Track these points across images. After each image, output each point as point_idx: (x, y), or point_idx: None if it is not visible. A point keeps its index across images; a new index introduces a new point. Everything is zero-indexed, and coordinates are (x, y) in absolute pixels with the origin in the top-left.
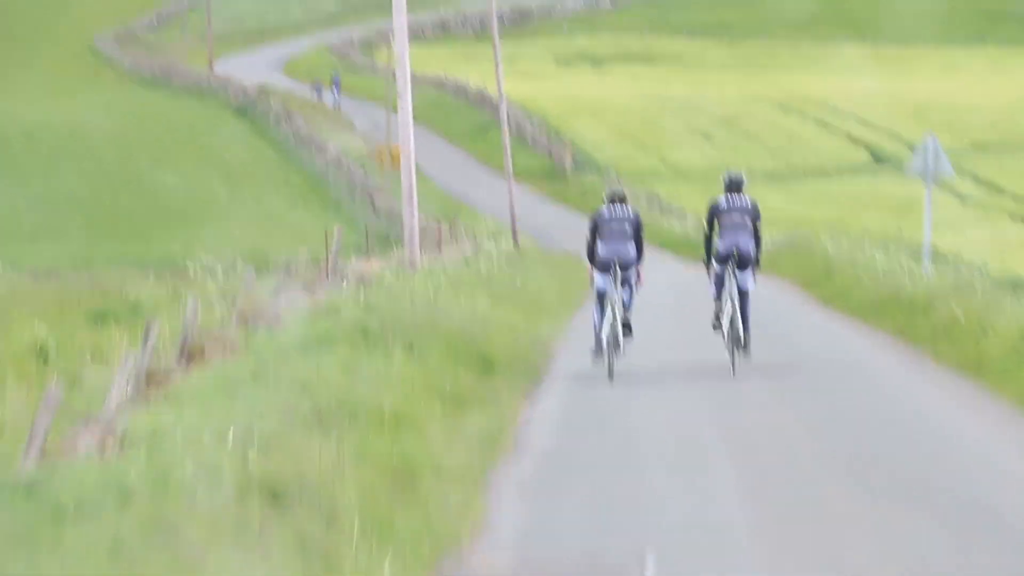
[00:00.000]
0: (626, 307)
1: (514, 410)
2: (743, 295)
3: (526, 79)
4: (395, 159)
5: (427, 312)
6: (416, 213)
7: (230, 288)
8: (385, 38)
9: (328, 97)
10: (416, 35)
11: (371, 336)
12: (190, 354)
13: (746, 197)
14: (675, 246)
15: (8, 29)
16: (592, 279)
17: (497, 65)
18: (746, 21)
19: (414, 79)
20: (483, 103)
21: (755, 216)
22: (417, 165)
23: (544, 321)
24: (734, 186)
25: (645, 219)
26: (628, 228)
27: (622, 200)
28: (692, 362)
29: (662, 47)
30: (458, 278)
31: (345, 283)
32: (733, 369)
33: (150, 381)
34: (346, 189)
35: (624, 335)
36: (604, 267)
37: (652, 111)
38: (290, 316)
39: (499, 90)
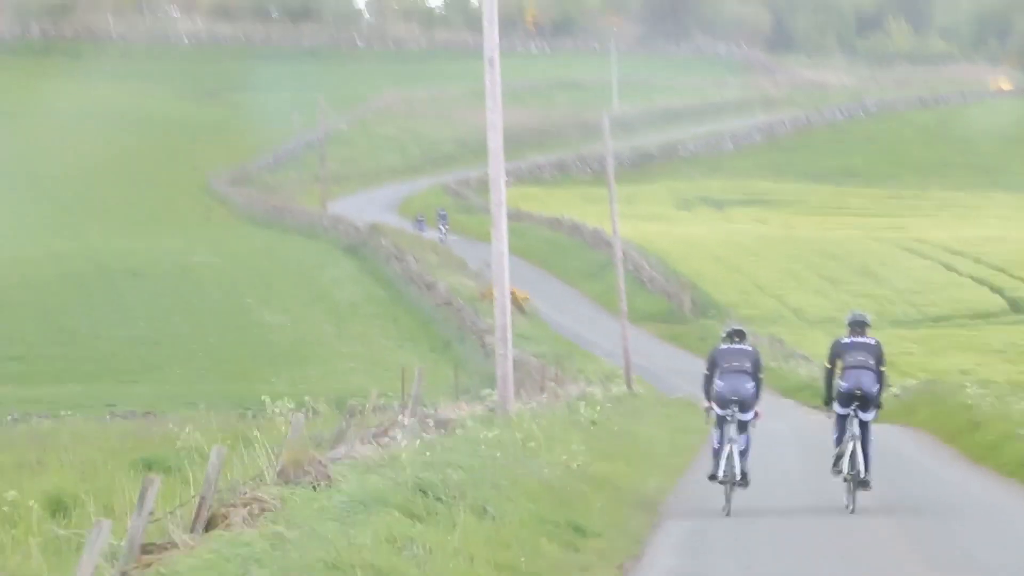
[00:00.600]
0: (743, 455)
1: None
2: (864, 427)
3: (646, 221)
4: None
5: (510, 466)
6: (510, 353)
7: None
8: (506, 181)
9: (433, 233)
10: (535, 177)
11: (432, 497)
12: (210, 519)
13: (870, 338)
14: (798, 392)
15: (123, 165)
16: (709, 414)
17: (612, 201)
18: (873, 166)
19: (531, 219)
20: (599, 243)
21: (879, 357)
22: (531, 306)
23: (653, 476)
24: (858, 325)
25: (767, 364)
26: (748, 364)
27: (741, 336)
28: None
29: (785, 191)
30: (556, 425)
31: (422, 431)
32: (852, 505)
33: (145, 554)
34: (455, 329)
35: (740, 484)
36: (722, 404)
37: (775, 254)
38: (345, 471)
39: (614, 227)
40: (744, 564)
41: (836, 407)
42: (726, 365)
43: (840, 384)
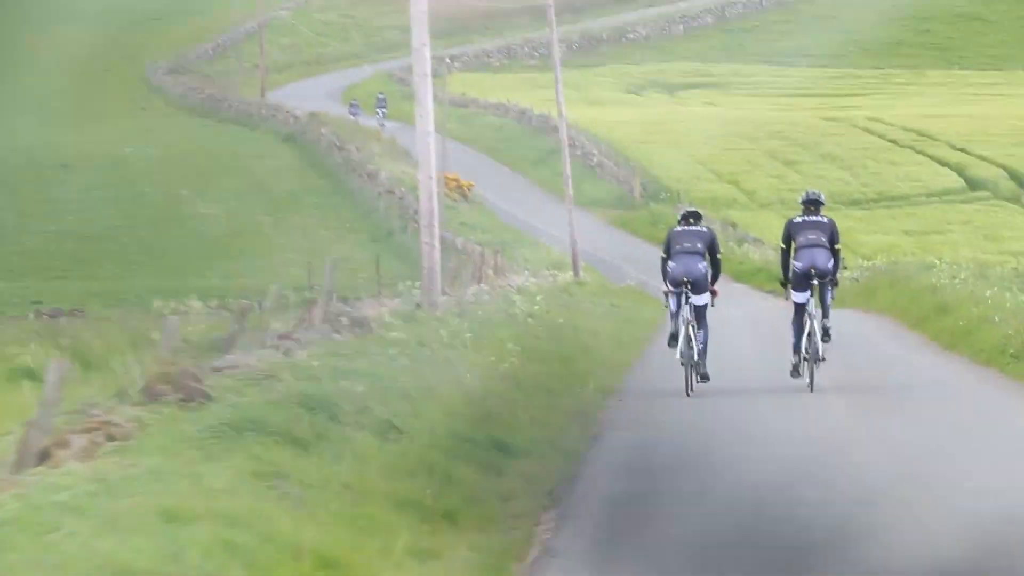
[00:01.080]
0: (701, 354)
1: (527, 531)
2: (825, 307)
3: (595, 106)
4: (452, 186)
5: (427, 373)
6: (437, 242)
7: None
8: (448, 65)
9: (370, 119)
10: (482, 63)
11: (325, 416)
12: (45, 451)
13: (824, 216)
14: (752, 277)
15: (57, 58)
16: (667, 297)
17: (557, 83)
18: (824, 47)
19: (476, 105)
20: (547, 130)
21: (833, 234)
22: (477, 194)
23: (594, 377)
24: (811, 204)
25: (720, 248)
26: (700, 246)
27: (696, 218)
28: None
29: (737, 74)
30: (487, 322)
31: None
32: (811, 384)
33: None
34: (398, 219)
35: (700, 381)
36: (675, 283)
37: (728, 137)
38: (230, 385)
39: (560, 112)
40: (699, 485)
41: (793, 294)
42: (678, 247)
43: (795, 264)
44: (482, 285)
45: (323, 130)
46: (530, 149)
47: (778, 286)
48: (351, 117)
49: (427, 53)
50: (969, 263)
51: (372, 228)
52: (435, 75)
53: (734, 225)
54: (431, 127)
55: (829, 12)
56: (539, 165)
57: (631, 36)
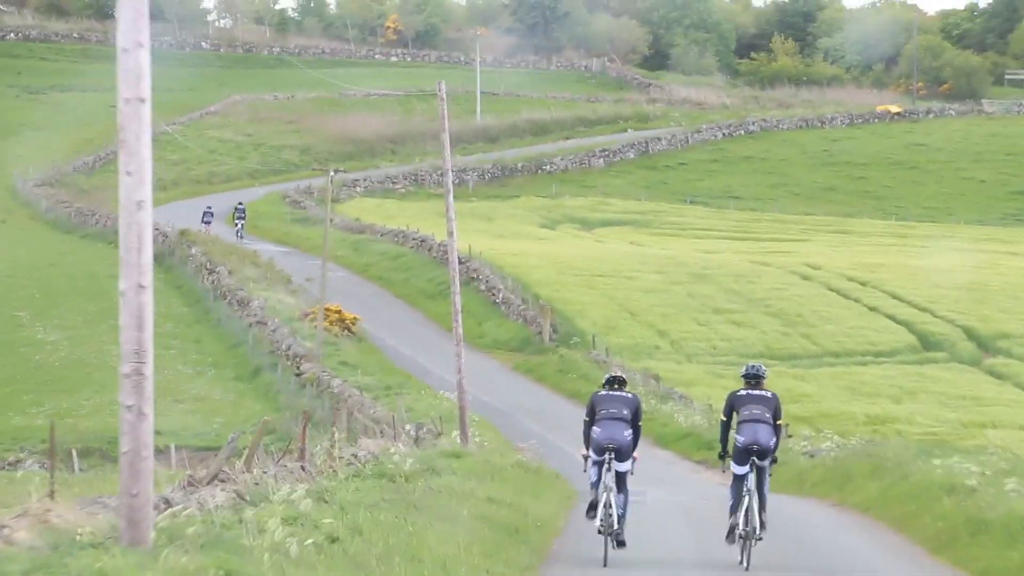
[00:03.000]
0: (620, 519)
1: None
2: (760, 473)
3: (505, 239)
4: (333, 319)
5: None
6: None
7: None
8: (348, 190)
9: (218, 231)
10: (387, 189)
11: None
12: None
13: (767, 390)
14: (678, 443)
15: None
16: (587, 462)
17: (448, 194)
18: (754, 189)
19: (373, 231)
20: (449, 260)
21: (776, 410)
22: (363, 329)
23: None
24: (753, 378)
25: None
26: (626, 411)
27: (621, 384)
28: None
29: (660, 211)
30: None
31: None
32: (747, 562)
33: None
34: (268, 355)
35: (616, 547)
36: (599, 450)
37: (649, 278)
38: None
39: (449, 230)
40: None
41: (733, 467)
42: (603, 412)
43: (737, 439)
44: (300, 464)
45: (193, 250)
46: (428, 281)
47: (710, 456)
48: (203, 226)
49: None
50: (994, 446)
51: (237, 364)
52: (335, 199)
53: (657, 378)
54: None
55: (758, 153)
56: (438, 299)
57: (548, 168)
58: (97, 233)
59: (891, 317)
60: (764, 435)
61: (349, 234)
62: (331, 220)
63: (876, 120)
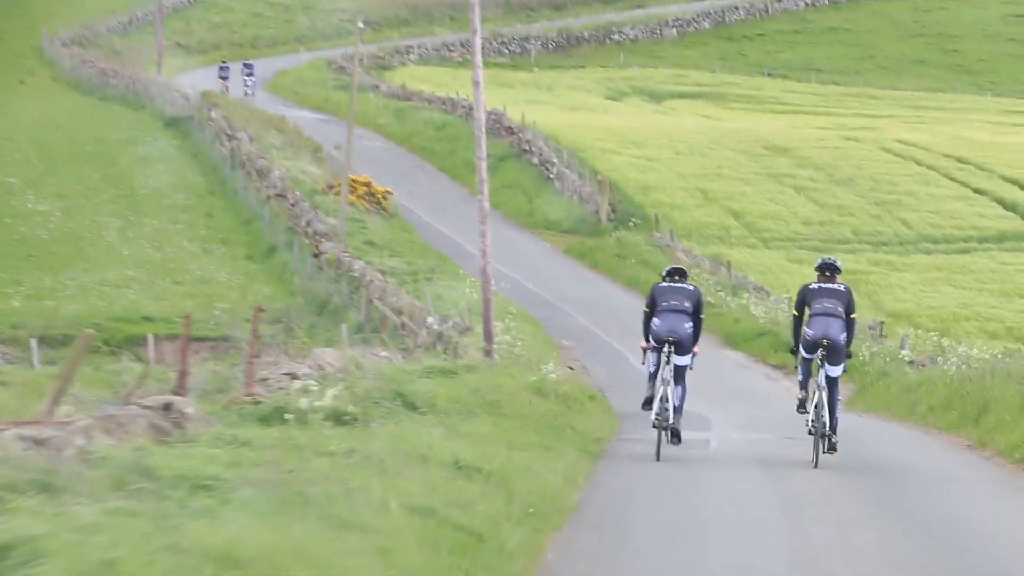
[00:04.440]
0: (676, 410)
1: None
2: (831, 382)
3: (566, 111)
4: (361, 192)
5: None
6: None
7: None
8: (400, 57)
9: (236, 88)
10: (442, 56)
11: None
12: None
13: (840, 284)
14: (752, 343)
15: None
16: (646, 355)
17: (475, 54)
18: (837, 61)
19: (419, 99)
20: (500, 131)
21: (849, 304)
22: (396, 204)
23: None
24: (828, 269)
25: (708, 298)
26: (687, 304)
27: (683, 275)
28: None
29: (737, 84)
30: None
31: None
32: (815, 459)
33: None
34: (284, 231)
35: (671, 441)
36: (658, 342)
37: (723, 153)
38: None
39: (475, 80)
40: None
41: (802, 352)
42: (664, 304)
43: (806, 331)
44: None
45: (213, 113)
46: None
47: (789, 359)
48: (220, 82)
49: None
50: None
51: (250, 241)
52: (385, 66)
53: (728, 265)
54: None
55: (842, 24)
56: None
57: (616, 37)
58: (117, 95)
59: (996, 198)
60: (836, 329)
61: (393, 100)
62: (376, 87)
63: None
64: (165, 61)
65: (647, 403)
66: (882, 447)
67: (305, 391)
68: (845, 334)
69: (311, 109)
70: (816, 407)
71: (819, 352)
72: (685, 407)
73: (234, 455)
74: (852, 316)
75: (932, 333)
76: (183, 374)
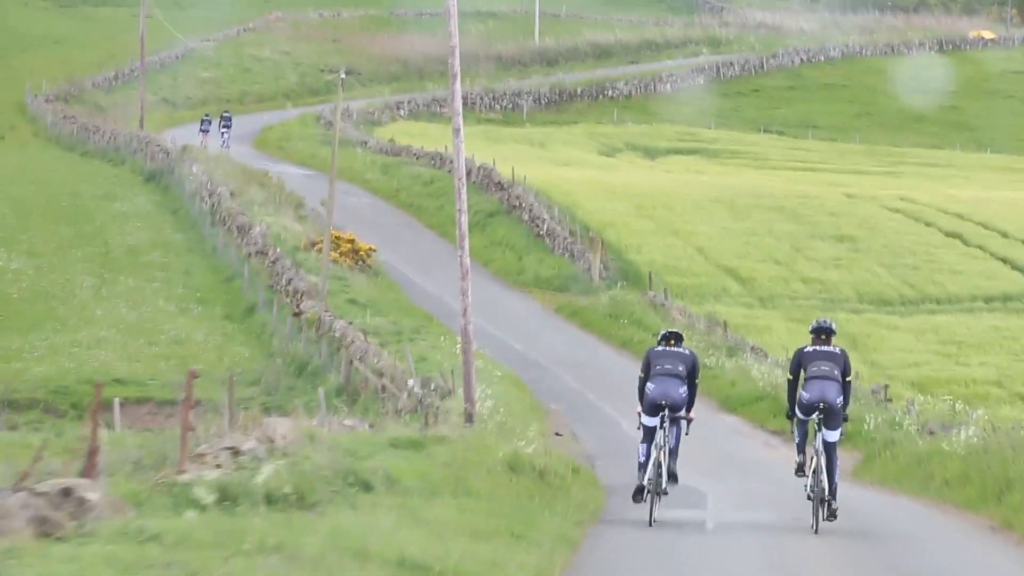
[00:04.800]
0: (672, 454)
1: None
2: (830, 447)
3: (559, 167)
4: (344, 249)
5: None
6: None
7: None
8: (391, 112)
9: (213, 140)
10: (432, 112)
11: None
12: None
13: (835, 346)
14: (750, 407)
15: None
16: (639, 422)
17: (455, 99)
18: (834, 118)
19: (408, 154)
20: (490, 186)
21: (845, 367)
22: (387, 265)
23: None
24: (823, 332)
25: (704, 359)
26: (681, 368)
27: (678, 339)
28: None
29: (732, 140)
30: None
31: None
32: (815, 525)
33: None
34: (264, 289)
35: (669, 483)
36: (652, 409)
37: (718, 211)
38: None
39: (456, 129)
40: None
41: (797, 414)
42: (659, 367)
43: (802, 395)
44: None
45: (194, 168)
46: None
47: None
48: (200, 136)
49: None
50: None
51: (229, 300)
52: (374, 122)
53: (724, 325)
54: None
55: (839, 80)
56: (474, 230)
57: (610, 93)
58: (97, 150)
59: (1002, 258)
60: (832, 392)
61: (381, 156)
62: (365, 142)
63: (968, 47)
64: (151, 117)
65: (638, 492)
66: (894, 527)
67: (239, 468)
68: (842, 397)
69: (297, 164)
70: (815, 472)
71: (815, 416)
72: (679, 478)
73: (135, 555)
74: (848, 379)
75: (944, 397)
76: (92, 452)
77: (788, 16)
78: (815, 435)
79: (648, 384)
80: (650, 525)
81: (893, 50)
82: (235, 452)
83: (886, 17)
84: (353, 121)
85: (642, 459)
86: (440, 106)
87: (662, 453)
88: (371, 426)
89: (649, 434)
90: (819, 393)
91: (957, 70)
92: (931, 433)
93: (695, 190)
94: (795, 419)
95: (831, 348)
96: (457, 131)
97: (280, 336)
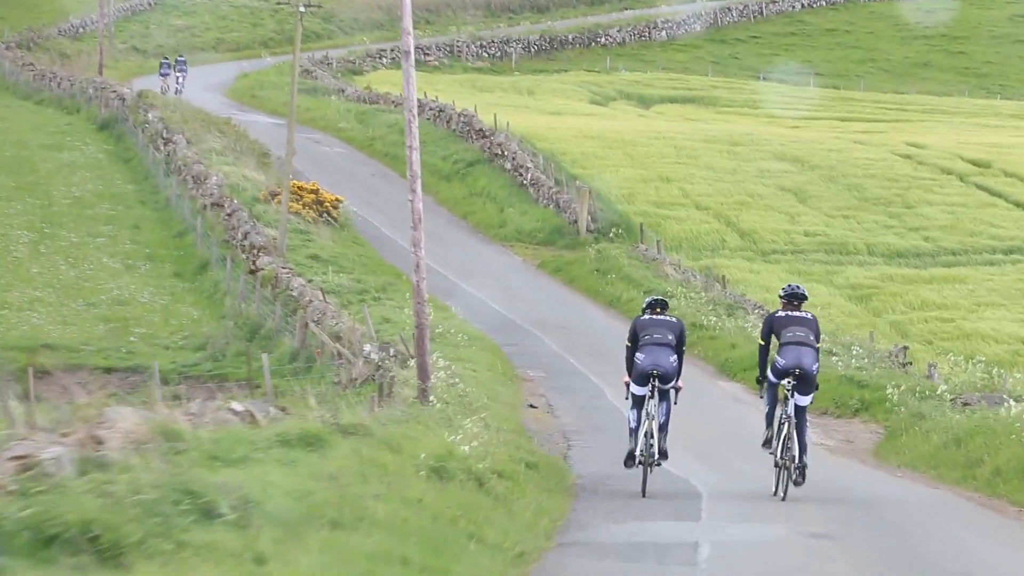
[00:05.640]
0: (662, 429)
1: None
2: (800, 412)
3: (548, 115)
4: (308, 200)
5: None
6: None
7: None
8: (372, 61)
9: (169, 84)
10: (418, 60)
11: None
12: None
13: (807, 312)
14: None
15: None
16: (627, 390)
17: (405, 16)
18: (837, 64)
19: (386, 101)
20: (471, 134)
21: (818, 332)
22: (357, 217)
23: None
24: (795, 298)
25: (697, 318)
26: (671, 337)
27: (663, 307)
28: None
29: (731, 88)
30: None
31: None
32: (779, 490)
33: None
34: (218, 245)
35: (657, 462)
36: (642, 379)
37: (716, 157)
38: None
39: (406, 71)
40: None
41: (769, 376)
42: (647, 337)
43: (777, 360)
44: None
45: (150, 115)
46: (443, 159)
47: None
48: (160, 79)
49: None
50: None
51: (180, 257)
52: (355, 71)
53: (723, 280)
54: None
55: (841, 25)
56: (453, 180)
57: (602, 40)
58: (53, 99)
59: (1020, 204)
60: (808, 359)
61: (357, 104)
62: (342, 91)
63: None
64: (120, 66)
65: (630, 458)
66: (939, 532)
67: (7, 494)
68: (817, 363)
69: (268, 114)
70: (784, 439)
71: (788, 381)
72: (669, 453)
73: None
74: (818, 345)
75: (976, 359)
76: None
77: None
78: (786, 400)
79: (637, 354)
80: (643, 496)
81: None
82: (25, 465)
83: None
84: (333, 70)
85: (632, 425)
86: (425, 54)
87: (652, 423)
88: (283, 410)
89: (639, 401)
90: (795, 359)
91: (964, 14)
92: (966, 405)
93: (691, 136)
94: (764, 384)
95: (804, 313)
96: (407, 53)
97: (234, 295)
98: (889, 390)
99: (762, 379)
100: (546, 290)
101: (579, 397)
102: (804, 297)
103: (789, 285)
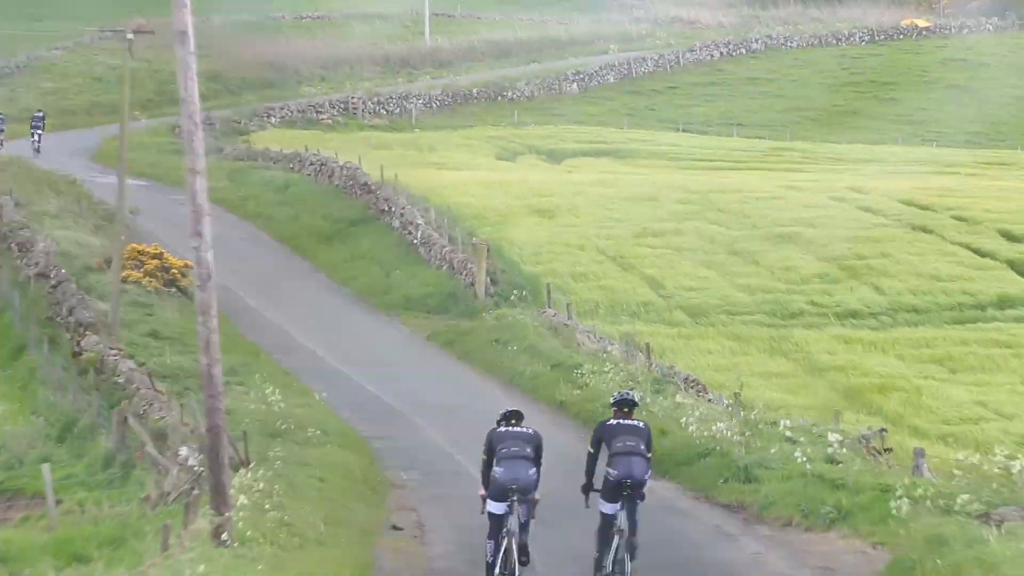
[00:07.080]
0: (523, 528)
1: None
2: (634, 524)
3: (443, 171)
4: (151, 267)
5: None
6: None
7: None
8: (260, 120)
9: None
10: (309, 120)
11: None
12: None
13: (638, 420)
14: (685, 467)
15: None
16: (485, 503)
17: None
18: (760, 115)
19: (265, 157)
20: (355, 189)
21: (649, 441)
22: (218, 287)
23: None
24: (625, 405)
25: (608, 396)
26: (528, 450)
27: (519, 418)
28: None
29: (649, 141)
30: None
31: None
32: None
33: None
34: (37, 324)
35: (521, 563)
36: (501, 494)
37: (635, 210)
38: None
39: (184, 60)
40: None
41: (602, 505)
42: (504, 450)
43: (608, 472)
44: None
45: None
46: (324, 218)
47: (749, 495)
48: (32, 138)
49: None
50: None
51: None
52: (241, 131)
53: (648, 349)
54: None
55: (764, 74)
56: (334, 241)
57: (510, 95)
58: None
59: (988, 254)
60: (639, 468)
61: (233, 162)
62: (220, 150)
63: (902, 36)
64: None
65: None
66: None
67: None
68: (649, 473)
69: (134, 176)
70: (615, 551)
71: (622, 501)
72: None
73: None
74: (650, 455)
75: (1002, 450)
76: None
77: (704, 10)
78: (618, 515)
79: (495, 468)
80: None
81: (821, 41)
82: None
83: (810, 9)
84: (215, 131)
85: (490, 558)
86: (317, 112)
87: (512, 540)
88: None
89: (497, 524)
90: (626, 470)
91: (892, 61)
92: (998, 524)
93: (606, 189)
94: (593, 498)
95: (634, 422)
96: (182, 34)
97: (52, 383)
98: (893, 503)
99: (588, 488)
100: (435, 366)
101: (460, 511)
102: (634, 404)
103: (620, 392)
